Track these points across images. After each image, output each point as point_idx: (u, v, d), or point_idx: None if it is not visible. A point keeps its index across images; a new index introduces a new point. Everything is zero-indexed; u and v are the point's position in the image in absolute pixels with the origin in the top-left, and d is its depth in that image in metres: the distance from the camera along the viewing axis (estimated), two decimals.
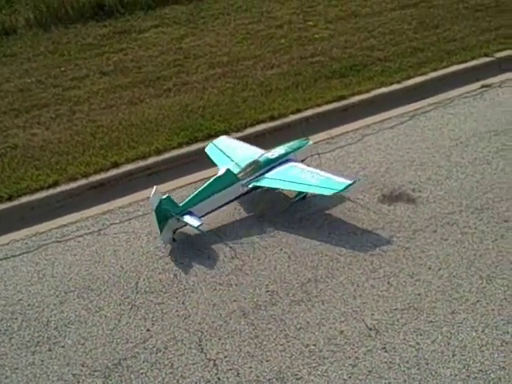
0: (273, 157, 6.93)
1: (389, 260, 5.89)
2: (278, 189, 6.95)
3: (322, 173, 6.62)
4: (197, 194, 6.48)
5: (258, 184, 6.74)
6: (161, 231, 6.25)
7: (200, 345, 5.16)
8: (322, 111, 8.82)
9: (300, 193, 6.86)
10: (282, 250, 6.21)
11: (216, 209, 6.60)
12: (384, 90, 9.54)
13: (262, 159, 6.91)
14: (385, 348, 4.91)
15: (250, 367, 4.89)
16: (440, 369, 4.68)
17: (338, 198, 6.85)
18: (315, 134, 8.54)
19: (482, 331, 4.97)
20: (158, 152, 8.07)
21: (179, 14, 13.21)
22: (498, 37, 11.03)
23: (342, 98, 9.21)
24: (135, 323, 5.47)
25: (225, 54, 11.07)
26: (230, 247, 6.32)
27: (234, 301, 5.60)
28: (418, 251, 5.97)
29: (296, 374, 4.76)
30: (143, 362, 5.06)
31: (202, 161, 7.54)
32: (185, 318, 5.46)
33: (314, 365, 4.83)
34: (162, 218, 6.18)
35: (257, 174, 6.77)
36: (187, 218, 6.24)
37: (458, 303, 5.28)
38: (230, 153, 7.29)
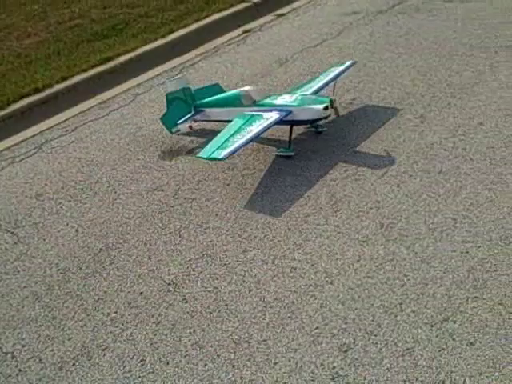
0: (277, 102, 6.69)
1: (177, 214, 5.94)
2: None
3: (247, 135, 6.16)
4: (214, 99, 7.02)
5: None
6: (167, 108, 7.19)
7: None
8: (89, 76, 8.54)
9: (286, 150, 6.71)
10: (68, 224, 5.97)
11: (219, 121, 6.92)
12: (150, 46, 9.50)
13: (268, 99, 6.77)
14: (185, 299, 4.98)
15: (52, 350, 4.68)
16: (239, 306, 4.85)
17: (118, 161, 6.73)
18: (86, 100, 8.28)
19: (272, 262, 5.23)
20: None
21: None
22: None
23: (108, 59, 9.00)
24: None
25: None
26: (11, 233, 5.93)
27: (25, 287, 5.30)
28: (204, 200, 6.09)
29: (101, 345, 4.65)
30: None
31: None
32: None
33: (117, 331, 4.75)
34: (171, 101, 7.15)
35: (253, 108, 6.64)
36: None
37: (248, 242, 5.50)
38: (310, 81, 7.27)
